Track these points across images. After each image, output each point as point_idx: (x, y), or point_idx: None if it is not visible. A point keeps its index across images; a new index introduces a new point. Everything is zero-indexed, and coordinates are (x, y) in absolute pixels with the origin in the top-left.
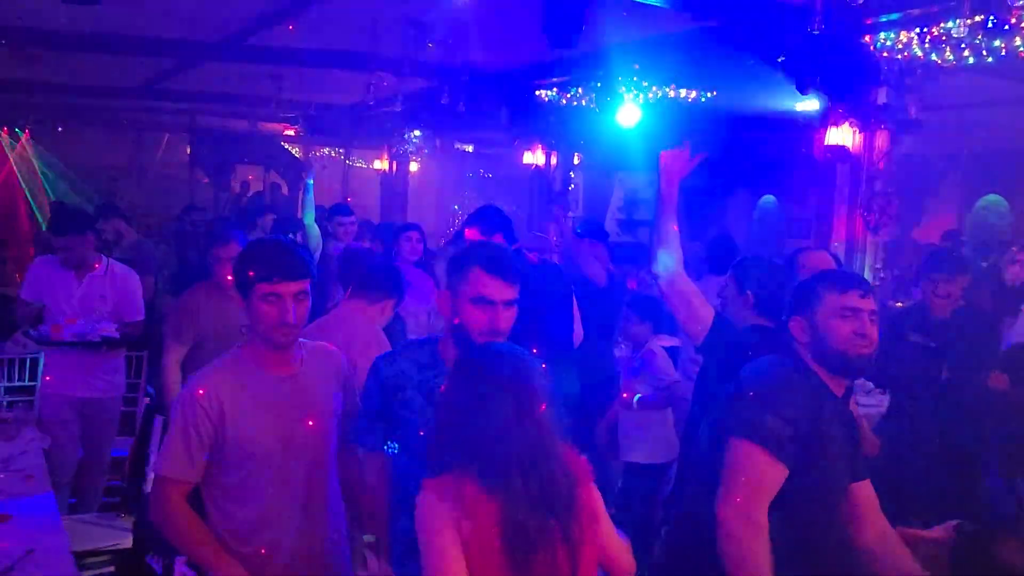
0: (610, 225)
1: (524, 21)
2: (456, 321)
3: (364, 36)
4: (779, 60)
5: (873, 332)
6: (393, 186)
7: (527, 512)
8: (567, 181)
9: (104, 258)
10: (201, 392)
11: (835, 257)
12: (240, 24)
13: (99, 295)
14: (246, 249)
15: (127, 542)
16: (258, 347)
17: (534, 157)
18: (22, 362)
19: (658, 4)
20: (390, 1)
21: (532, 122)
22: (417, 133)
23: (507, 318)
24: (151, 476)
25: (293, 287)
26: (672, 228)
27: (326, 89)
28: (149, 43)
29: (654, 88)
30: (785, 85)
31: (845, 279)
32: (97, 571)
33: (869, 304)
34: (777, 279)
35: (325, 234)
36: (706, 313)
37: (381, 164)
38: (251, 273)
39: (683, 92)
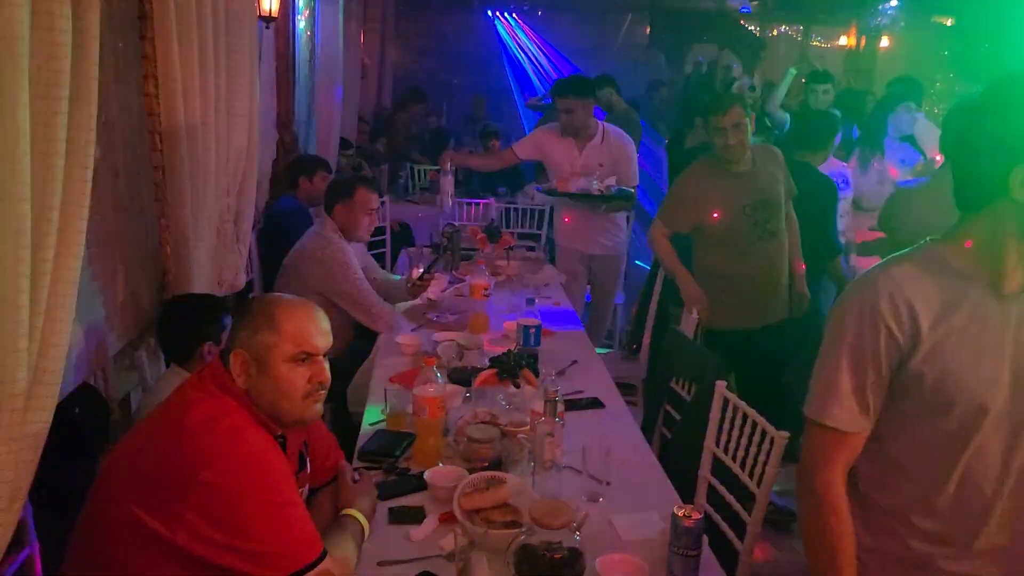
0: None
1: None
2: None
3: None
4: None
5: None
6: (858, 65)
7: None
8: None
9: (600, 125)
10: (887, 298)
11: None
12: None
13: (597, 163)
14: None
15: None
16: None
17: None
18: (532, 212)
19: None
20: None
21: None
22: (894, 2)
23: None
24: (649, 325)
25: None
26: None
27: None
28: None
29: None
30: None
31: None
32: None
33: None
34: None
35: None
36: None
37: (848, 41)
38: None
39: None
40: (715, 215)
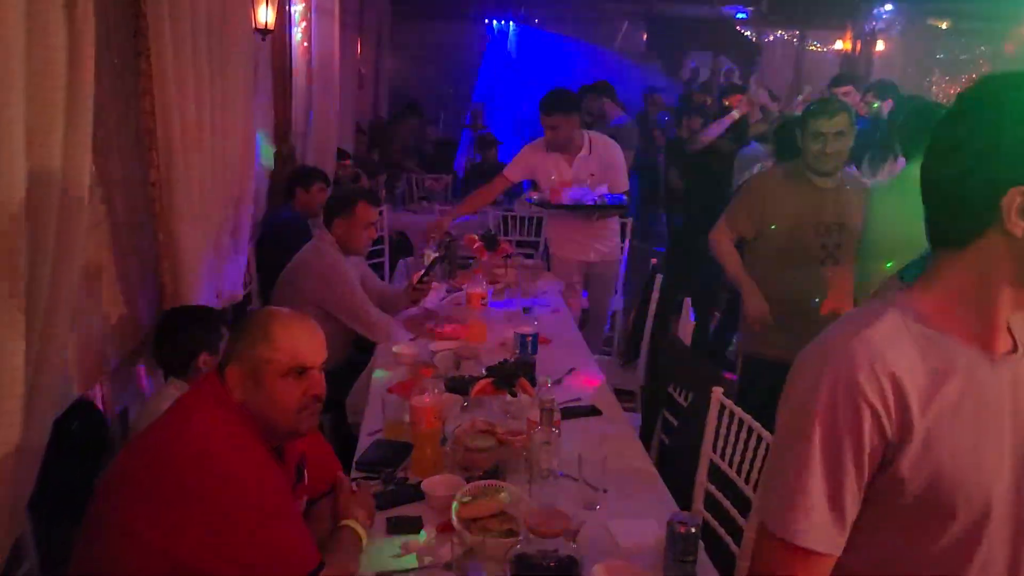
0: None
1: None
2: None
3: None
4: None
5: None
6: (854, 69)
7: None
8: None
9: (585, 135)
10: (867, 369)
11: None
12: None
13: (588, 174)
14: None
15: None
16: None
17: None
18: (529, 220)
19: None
20: None
21: None
22: (889, 7)
23: None
24: (647, 332)
25: None
26: None
27: None
28: None
29: None
30: None
31: None
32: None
33: None
34: None
35: None
36: None
37: (843, 45)
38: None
39: None
40: (783, 224)
